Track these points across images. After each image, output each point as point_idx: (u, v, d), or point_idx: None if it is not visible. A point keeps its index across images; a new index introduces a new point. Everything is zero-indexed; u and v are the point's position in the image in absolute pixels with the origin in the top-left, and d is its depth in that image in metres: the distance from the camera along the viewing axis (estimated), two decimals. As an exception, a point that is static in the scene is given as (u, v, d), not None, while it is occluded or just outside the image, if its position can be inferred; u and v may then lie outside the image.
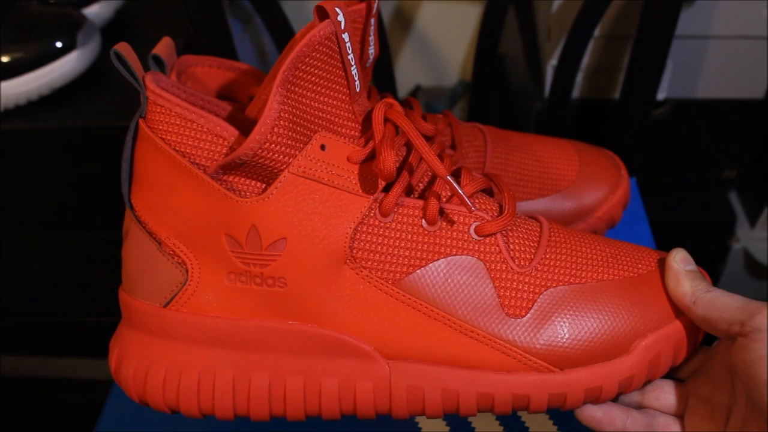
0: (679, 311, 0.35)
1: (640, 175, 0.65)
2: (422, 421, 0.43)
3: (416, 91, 1.07)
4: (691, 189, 0.92)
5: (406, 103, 0.45)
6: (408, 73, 1.07)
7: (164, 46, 0.38)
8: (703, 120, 0.85)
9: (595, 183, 0.47)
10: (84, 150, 0.66)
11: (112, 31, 0.73)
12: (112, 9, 0.74)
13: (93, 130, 0.64)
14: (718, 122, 0.85)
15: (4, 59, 0.62)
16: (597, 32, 0.75)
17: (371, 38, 0.37)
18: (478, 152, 0.46)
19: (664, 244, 0.47)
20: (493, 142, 0.47)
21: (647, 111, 0.76)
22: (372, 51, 0.38)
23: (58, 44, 0.63)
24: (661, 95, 0.80)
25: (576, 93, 0.80)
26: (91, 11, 0.71)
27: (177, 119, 0.33)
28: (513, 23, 0.91)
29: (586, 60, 0.78)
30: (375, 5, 0.36)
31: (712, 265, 0.95)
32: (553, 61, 0.77)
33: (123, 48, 0.33)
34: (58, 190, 0.69)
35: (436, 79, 1.08)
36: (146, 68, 0.35)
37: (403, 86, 1.06)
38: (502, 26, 0.76)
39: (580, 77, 0.79)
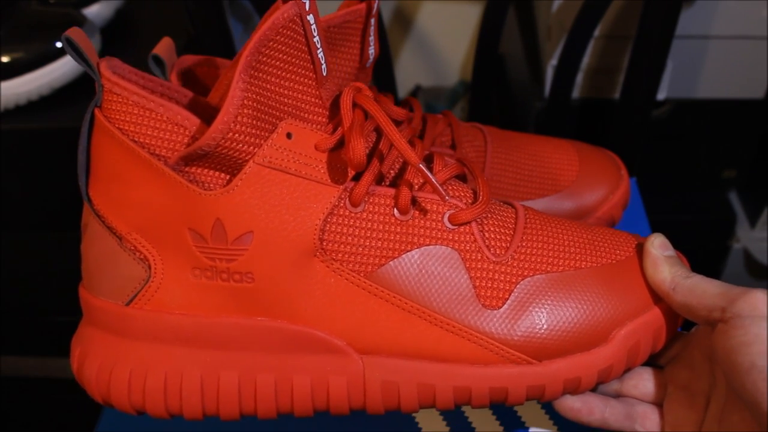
0: (657, 297, 0.35)
1: (640, 175, 0.64)
2: (422, 421, 0.43)
3: (416, 91, 1.07)
4: (691, 189, 0.92)
5: (406, 103, 0.45)
6: (408, 73, 1.07)
7: (164, 46, 0.38)
8: (703, 120, 0.85)
9: (595, 183, 0.47)
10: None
11: (112, 31, 0.73)
12: (112, 9, 0.74)
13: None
14: (718, 122, 0.85)
15: (4, 59, 0.62)
16: (597, 32, 0.75)
17: (371, 38, 0.37)
18: (478, 152, 0.46)
19: (664, 244, 0.47)
20: (493, 142, 0.47)
21: (647, 111, 0.76)
22: (372, 51, 0.38)
23: (58, 44, 0.63)
24: (661, 95, 0.80)
25: (576, 93, 0.80)
26: (91, 11, 0.71)
27: (134, 108, 0.31)
28: (513, 23, 0.92)
29: (586, 60, 0.77)
30: (375, 5, 0.36)
31: (712, 265, 0.95)
32: (553, 61, 0.77)
33: (75, 33, 0.31)
34: (58, 190, 0.69)
35: (436, 79, 1.08)
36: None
37: (403, 86, 1.06)
38: (502, 26, 0.76)
39: (580, 77, 0.79)
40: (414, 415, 0.43)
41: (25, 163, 0.67)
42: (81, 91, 0.66)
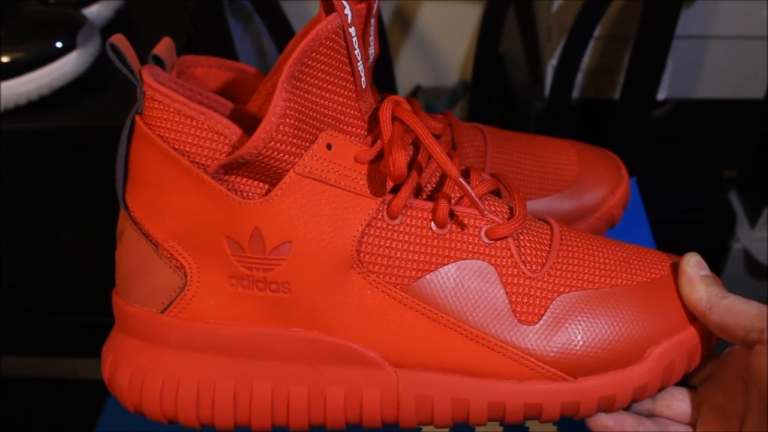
0: (692, 317, 0.35)
1: (640, 175, 0.64)
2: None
3: (416, 91, 1.07)
4: (691, 189, 0.92)
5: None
6: (408, 73, 1.07)
7: (164, 46, 0.37)
8: (703, 120, 0.85)
9: (595, 183, 0.47)
10: (84, 150, 0.66)
11: (112, 31, 0.73)
12: (112, 9, 0.74)
13: (93, 130, 0.64)
14: (718, 122, 0.85)
15: (4, 59, 0.62)
16: (597, 32, 0.75)
17: (371, 38, 0.37)
18: (478, 152, 0.46)
19: (664, 244, 0.47)
20: (493, 142, 0.47)
21: (647, 111, 0.76)
22: (372, 51, 0.38)
23: (58, 44, 0.63)
24: (661, 95, 0.80)
25: (576, 93, 0.80)
26: (91, 11, 0.71)
27: (176, 116, 0.32)
28: (513, 23, 0.91)
29: (586, 60, 0.77)
30: (375, 5, 0.36)
31: (712, 265, 0.95)
32: (553, 61, 0.77)
33: (119, 40, 0.32)
34: (58, 190, 0.69)
35: (436, 79, 1.08)
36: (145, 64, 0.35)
37: (403, 86, 1.06)
38: (502, 26, 0.76)
39: (580, 77, 0.79)
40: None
41: (25, 163, 0.67)
42: (81, 91, 0.66)
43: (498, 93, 0.95)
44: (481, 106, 0.82)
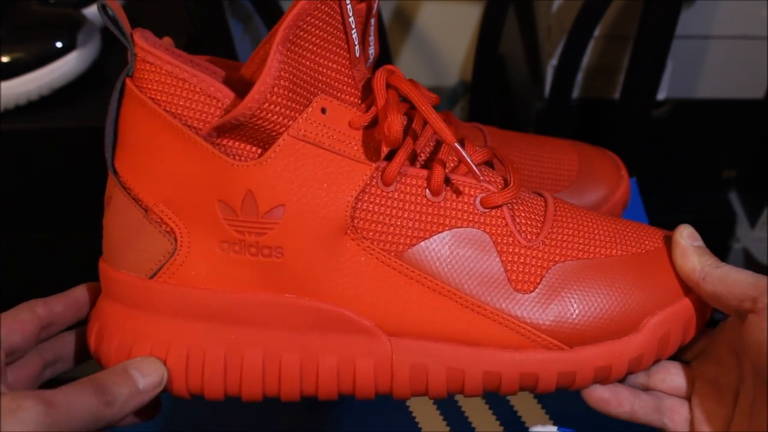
0: (687, 289, 0.34)
1: (640, 175, 0.64)
2: (422, 421, 0.43)
3: (416, 91, 1.07)
4: (691, 189, 0.92)
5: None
6: (408, 73, 1.06)
7: (164, 46, 0.38)
8: (703, 120, 0.85)
9: (595, 183, 0.47)
10: (84, 150, 0.66)
11: (112, 31, 0.73)
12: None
13: (93, 130, 0.64)
14: (718, 122, 0.85)
15: (4, 59, 0.62)
16: (597, 32, 0.75)
17: (371, 38, 0.37)
18: (478, 152, 0.46)
19: (664, 244, 0.47)
20: (493, 142, 0.47)
21: (647, 111, 0.76)
22: (372, 51, 0.38)
23: (58, 44, 0.63)
24: (661, 95, 0.80)
25: (576, 93, 0.80)
26: (91, 11, 0.71)
27: (167, 78, 0.31)
28: (513, 23, 0.91)
29: (586, 60, 0.77)
30: (375, 5, 0.36)
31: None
32: (553, 61, 0.77)
33: (111, 3, 0.31)
34: (58, 190, 0.69)
35: (436, 79, 1.08)
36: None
37: (403, 86, 1.06)
38: (502, 26, 0.76)
39: (580, 77, 0.79)
40: (414, 414, 0.43)
41: (25, 163, 0.67)
42: (81, 91, 0.65)
43: (498, 93, 0.95)
44: (481, 106, 0.82)
